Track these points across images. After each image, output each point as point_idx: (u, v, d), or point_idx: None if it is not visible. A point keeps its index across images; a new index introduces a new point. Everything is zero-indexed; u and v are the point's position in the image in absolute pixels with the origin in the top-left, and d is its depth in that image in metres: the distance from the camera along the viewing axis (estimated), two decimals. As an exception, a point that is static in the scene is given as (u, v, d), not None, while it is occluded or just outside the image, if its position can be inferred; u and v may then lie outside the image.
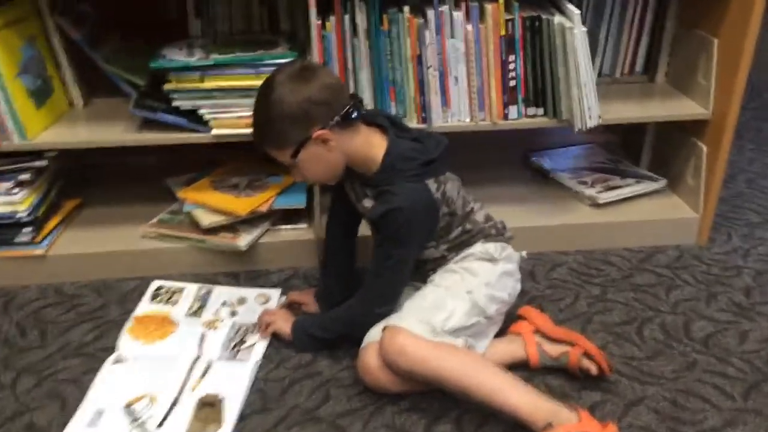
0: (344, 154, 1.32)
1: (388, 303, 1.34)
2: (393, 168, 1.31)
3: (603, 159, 2.04)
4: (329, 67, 1.57)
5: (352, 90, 1.62)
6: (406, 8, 1.58)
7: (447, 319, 1.30)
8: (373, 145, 1.33)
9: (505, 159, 2.08)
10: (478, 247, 1.39)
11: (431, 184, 1.32)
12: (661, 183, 1.89)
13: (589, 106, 1.62)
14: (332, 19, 1.57)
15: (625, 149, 2.12)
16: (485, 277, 1.37)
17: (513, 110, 1.67)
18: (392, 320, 1.30)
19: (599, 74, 1.93)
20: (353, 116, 1.30)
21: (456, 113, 1.66)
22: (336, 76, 1.39)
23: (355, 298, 1.37)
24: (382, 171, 1.31)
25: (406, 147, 1.33)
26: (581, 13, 1.80)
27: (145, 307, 1.52)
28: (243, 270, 1.68)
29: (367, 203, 1.36)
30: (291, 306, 1.55)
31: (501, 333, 1.41)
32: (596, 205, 1.83)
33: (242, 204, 1.65)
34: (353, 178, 1.39)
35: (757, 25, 1.62)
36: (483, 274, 1.37)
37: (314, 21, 1.54)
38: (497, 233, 1.43)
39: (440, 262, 1.40)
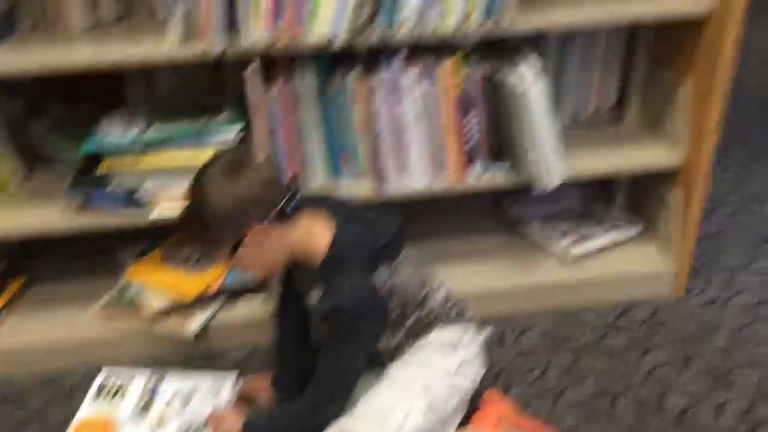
0: (285, 249, 1.24)
1: (337, 403, 1.26)
2: (338, 260, 1.22)
3: (577, 200, 1.94)
4: (265, 155, 1.47)
5: (301, 152, 1.53)
6: (355, 70, 1.49)
7: (403, 421, 1.22)
8: (316, 235, 1.24)
9: (475, 204, 1.99)
10: (437, 335, 1.31)
11: (382, 273, 1.24)
12: (636, 229, 1.81)
13: (550, 165, 1.53)
14: (277, 84, 1.48)
15: (601, 185, 2.03)
16: (445, 368, 1.29)
17: (474, 170, 1.58)
18: (344, 424, 1.23)
19: (570, 112, 1.84)
20: (291, 208, 1.21)
21: (413, 177, 1.57)
22: (271, 166, 1.29)
23: (305, 396, 1.29)
24: (327, 264, 1.23)
25: (354, 234, 1.25)
26: (545, 50, 1.72)
27: (86, 409, 1.43)
28: (198, 351, 1.61)
29: (315, 296, 1.28)
30: (245, 395, 1.48)
31: (465, 419, 1.34)
32: (569, 260, 1.74)
33: (191, 284, 1.57)
34: (299, 269, 1.31)
35: (728, 69, 1.52)
36: (442, 364, 1.29)
37: (256, 90, 1.45)
38: (457, 315, 1.35)
39: (396, 352, 1.32)
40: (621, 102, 1.84)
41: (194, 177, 1.20)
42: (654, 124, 1.74)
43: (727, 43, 1.49)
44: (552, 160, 1.52)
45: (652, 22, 1.65)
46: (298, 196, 1.23)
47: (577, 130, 1.78)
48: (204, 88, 1.68)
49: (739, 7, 1.45)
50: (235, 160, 1.21)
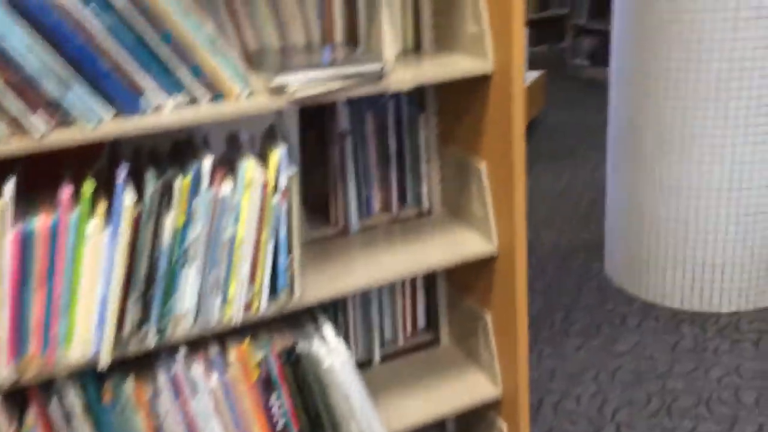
0: None
1: None
2: None
3: None
4: None
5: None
6: (130, 378, 1.28)
7: None
8: None
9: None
10: None
11: None
12: (471, 460, 1.72)
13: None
14: (32, 412, 1.22)
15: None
16: None
17: (287, 452, 1.41)
18: None
19: (382, 344, 1.75)
20: None
21: (219, 476, 1.36)
22: None
23: None
24: None
25: None
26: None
27: None
28: None
29: None
30: None
31: None
32: None
33: None
34: None
35: (524, 298, 1.52)
36: None
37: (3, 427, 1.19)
38: None
39: None
40: (432, 322, 1.79)
41: None
42: (467, 350, 1.70)
43: (519, 277, 1.50)
44: (370, 427, 1.39)
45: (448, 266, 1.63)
46: None
47: (392, 364, 1.70)
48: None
49: (522, 244, 1.47)
50: None
